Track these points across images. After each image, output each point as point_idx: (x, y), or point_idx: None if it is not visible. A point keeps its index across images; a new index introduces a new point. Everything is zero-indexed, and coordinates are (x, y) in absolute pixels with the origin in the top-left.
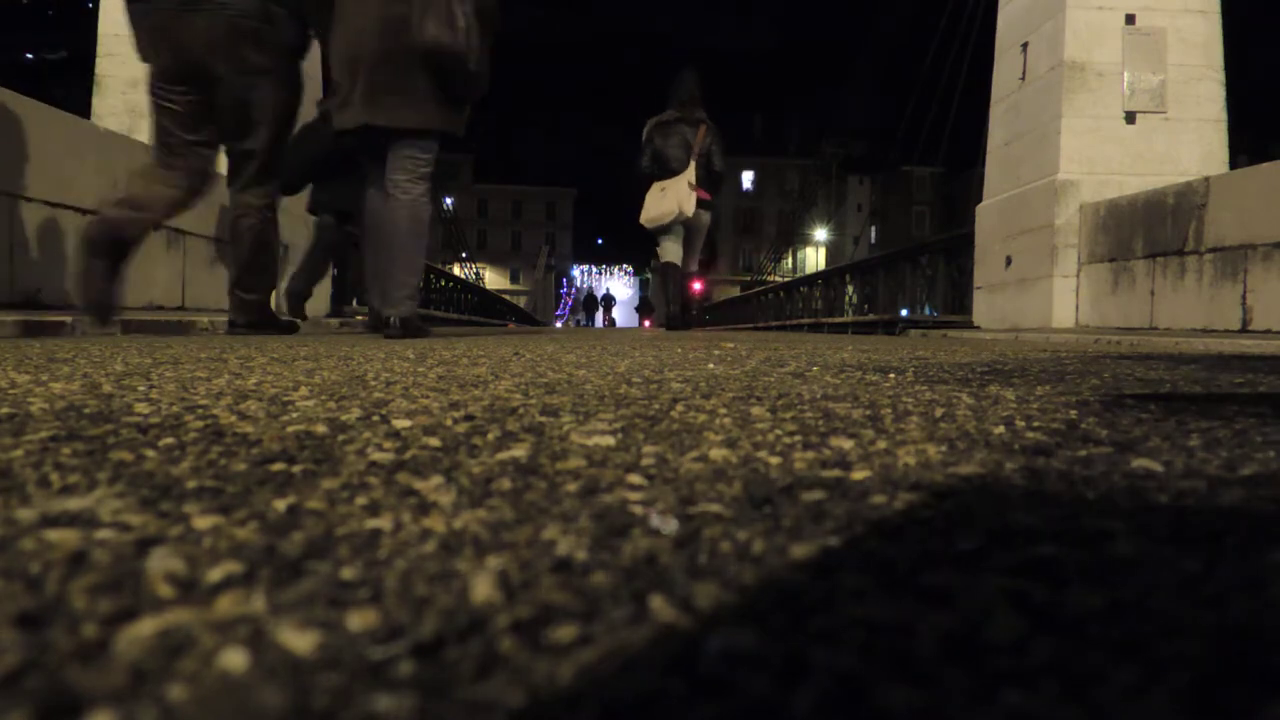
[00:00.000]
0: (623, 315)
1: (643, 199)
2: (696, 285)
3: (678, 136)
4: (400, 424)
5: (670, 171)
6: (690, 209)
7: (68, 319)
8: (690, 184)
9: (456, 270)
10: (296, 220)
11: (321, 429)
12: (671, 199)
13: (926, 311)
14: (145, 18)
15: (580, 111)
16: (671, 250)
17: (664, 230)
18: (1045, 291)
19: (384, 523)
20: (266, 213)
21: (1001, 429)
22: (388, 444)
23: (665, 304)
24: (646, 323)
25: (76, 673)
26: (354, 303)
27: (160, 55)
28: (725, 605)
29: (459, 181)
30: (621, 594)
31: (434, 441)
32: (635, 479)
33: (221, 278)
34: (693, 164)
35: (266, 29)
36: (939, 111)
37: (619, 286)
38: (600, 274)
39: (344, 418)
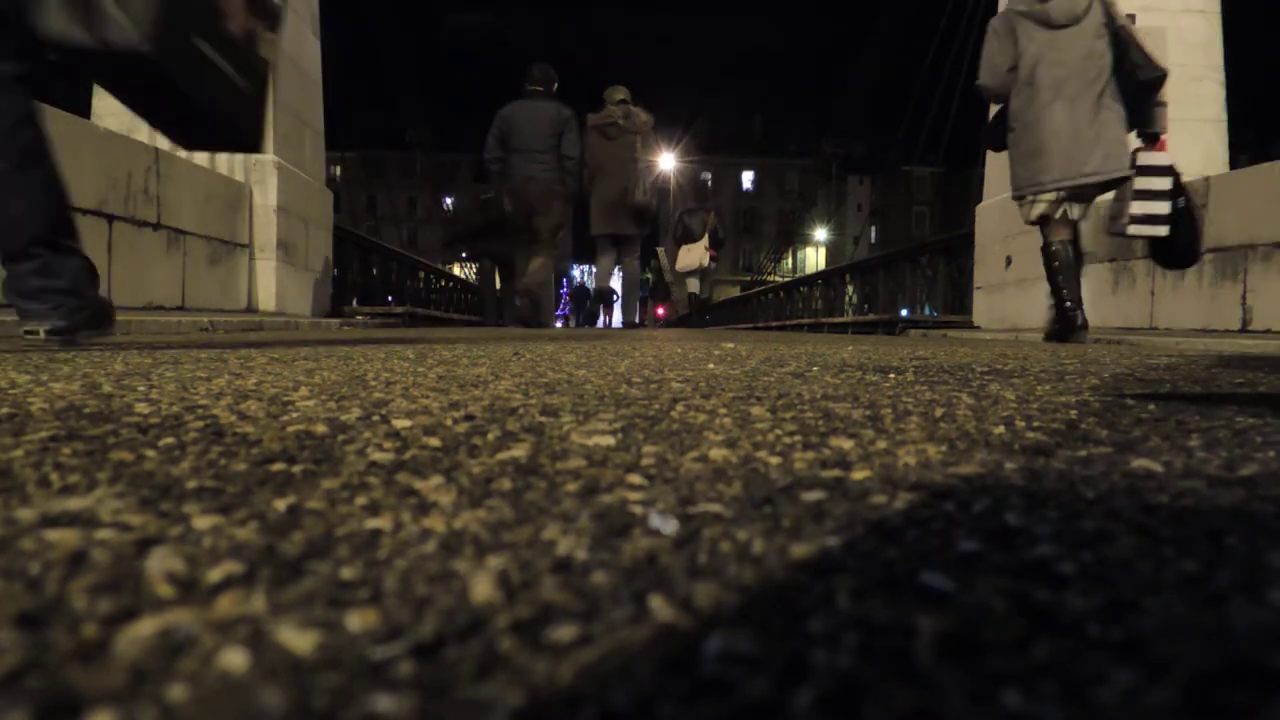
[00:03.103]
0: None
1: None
2: (660, 311)
3: (698, 216)
4: (400, 424)
5: (693, 237)
6: (707, 262)
7: None
8: (705, 247)
9: (456, 270)
10: (295, 221)
11: (321, 429)
12: (695, 256)
13: (926, 311)
14: (513, 182)
15: (580, 111)
16: (693, 284)
17: (689, 274)
18: (1045, 292)
19: (384, 523)
20: (549, 263)
21: (1001, 429)
22: (388, 444)
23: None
24: (661, 310)
25: (76, 673)
26: (354, 303)
27: (516, 199)
28: (725, 605)
29: (459, 181)
30: (621, 594)
31: (434, 441)
32: (635, 479)
33: (219, 278)
34: (706, 235)
35: (560, 188)
36: (939, 111)
37: (619, 285)
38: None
39: (344, 418)
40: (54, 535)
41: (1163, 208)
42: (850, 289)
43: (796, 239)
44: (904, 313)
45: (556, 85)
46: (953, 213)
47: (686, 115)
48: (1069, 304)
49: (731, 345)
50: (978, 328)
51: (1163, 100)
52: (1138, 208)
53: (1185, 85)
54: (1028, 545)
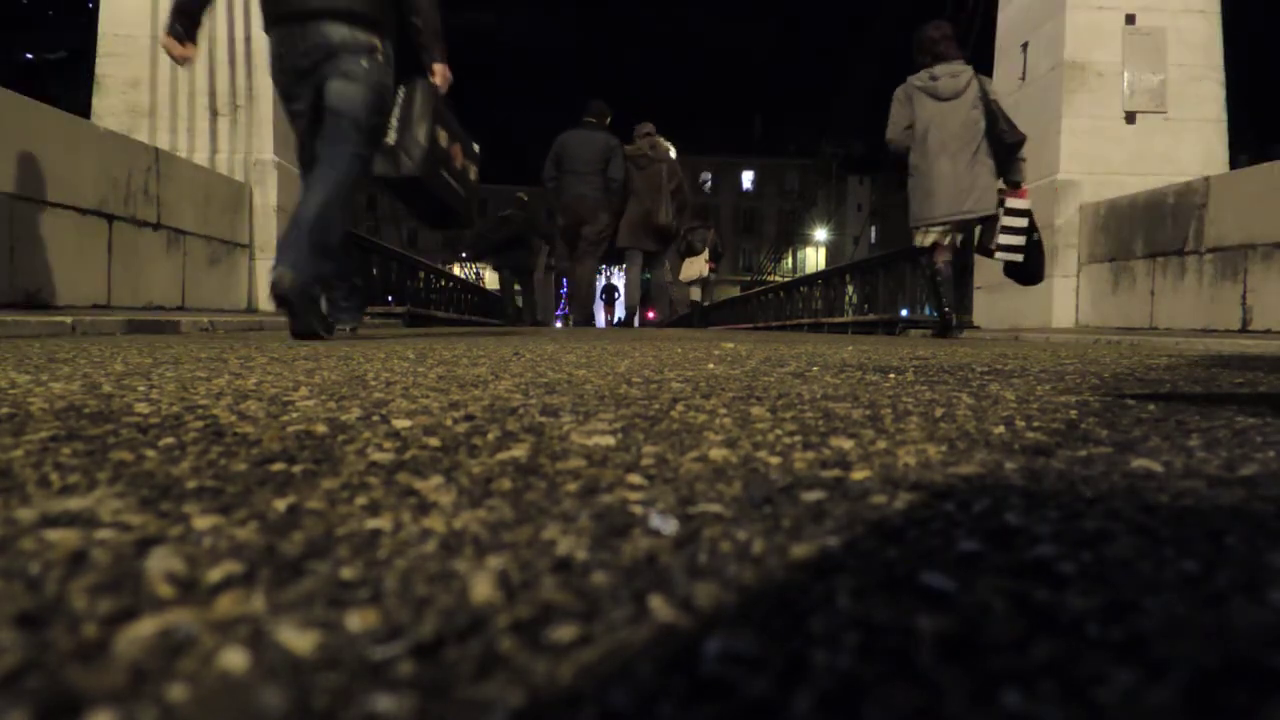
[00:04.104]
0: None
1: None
2: (650, 315)
3: (700, 234)
4: (400, 424)
5: (694, 251)
6: (706, 273)
7: (68, 319)
8: (705, 260)
9: (456, 270)
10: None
11: (321, 429)
12: (696, 268)
13: (926, 311)
14: (565, 199)
15: (577, 110)
16: (695, 292)
17: (691, 283)
18: (1045, 291)
19: (384, 523)
20: (593, 265)
21: (1001, 429)
22: (388, 444)
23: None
24: (651, 314)
25: (76, 673)
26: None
27: (568, 214)
28: (725, 605)
29: None
30: (621, 594)
31: (434, 441)
32: (635, 479)
33: (219, 278)
34: (707, 250)
35: (606, 203)
36: None
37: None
38: (599, 273)
39: (344, 418)
40: (54, 535)
41: (1020, 240)
42: (850, 289)
43: (796, 239)
44: (904, 313)
45: (609, 119)
46: None
47: (686, 115)
48: (946, 310)
49: (731, 345)
50: (978, 328)
51: (1023, 156)
52: (1004, 239)
53: (1185, 85)
54: (1028, 545)
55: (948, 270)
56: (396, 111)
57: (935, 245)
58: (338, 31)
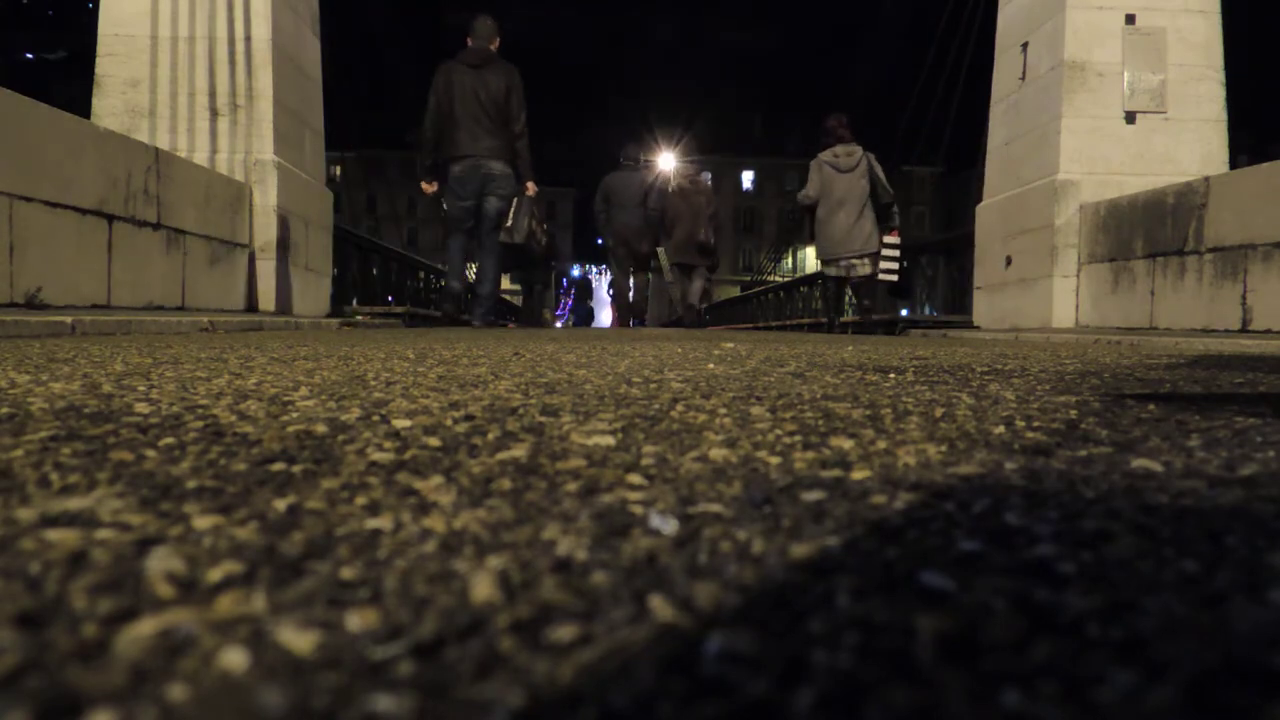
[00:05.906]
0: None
1: None
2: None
3: None
4: (400, 424)
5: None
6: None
7: (68, 319)
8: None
9: None
10: (295, 221)
11: (321, 429)
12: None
13: (927, 311)
14: (616, 226)
15: (579, 111)
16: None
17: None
18: (1045, 291)
19: (384, 523)
20: (644, 278)
21: (1001, 429)
22: (388, 444)
23: (665, 309)
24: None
25: (76, 673)
26: (354, 303)
27: (618, 238)
28: (725, 605)
29: None
30: (621, 594)
31: (434, 441)
32: (635, 479)
33: (219, 278)
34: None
35: (648, 229)
36: (939, 111)
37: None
38: (600, 273)
39: (344, 418)
40: (54, 535)
41: (895, 265)
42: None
43: (796, 239)
44: (904, 313)
45: (644, 158)
46: (953, 213)
47: (687, 115)
48: (835, 317)
49: (731, 345)
50: (978, 328)
51: (895, 210)
52: (884, 264)
53: (1185, 85)
54: (1028, 545)
55: (836, 288)
56: (512, 210)
57: (838, 276)
58: (493, 166)
